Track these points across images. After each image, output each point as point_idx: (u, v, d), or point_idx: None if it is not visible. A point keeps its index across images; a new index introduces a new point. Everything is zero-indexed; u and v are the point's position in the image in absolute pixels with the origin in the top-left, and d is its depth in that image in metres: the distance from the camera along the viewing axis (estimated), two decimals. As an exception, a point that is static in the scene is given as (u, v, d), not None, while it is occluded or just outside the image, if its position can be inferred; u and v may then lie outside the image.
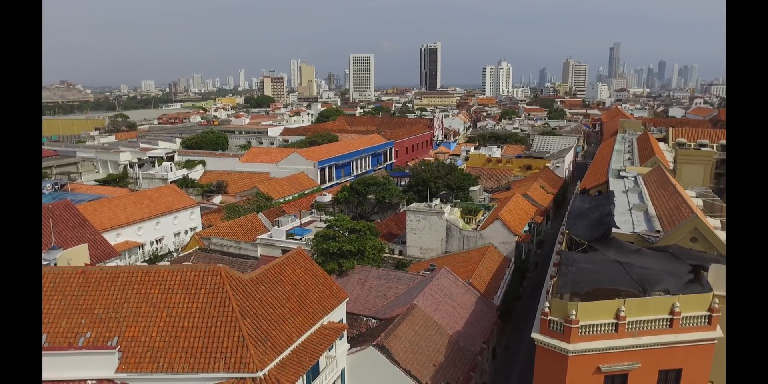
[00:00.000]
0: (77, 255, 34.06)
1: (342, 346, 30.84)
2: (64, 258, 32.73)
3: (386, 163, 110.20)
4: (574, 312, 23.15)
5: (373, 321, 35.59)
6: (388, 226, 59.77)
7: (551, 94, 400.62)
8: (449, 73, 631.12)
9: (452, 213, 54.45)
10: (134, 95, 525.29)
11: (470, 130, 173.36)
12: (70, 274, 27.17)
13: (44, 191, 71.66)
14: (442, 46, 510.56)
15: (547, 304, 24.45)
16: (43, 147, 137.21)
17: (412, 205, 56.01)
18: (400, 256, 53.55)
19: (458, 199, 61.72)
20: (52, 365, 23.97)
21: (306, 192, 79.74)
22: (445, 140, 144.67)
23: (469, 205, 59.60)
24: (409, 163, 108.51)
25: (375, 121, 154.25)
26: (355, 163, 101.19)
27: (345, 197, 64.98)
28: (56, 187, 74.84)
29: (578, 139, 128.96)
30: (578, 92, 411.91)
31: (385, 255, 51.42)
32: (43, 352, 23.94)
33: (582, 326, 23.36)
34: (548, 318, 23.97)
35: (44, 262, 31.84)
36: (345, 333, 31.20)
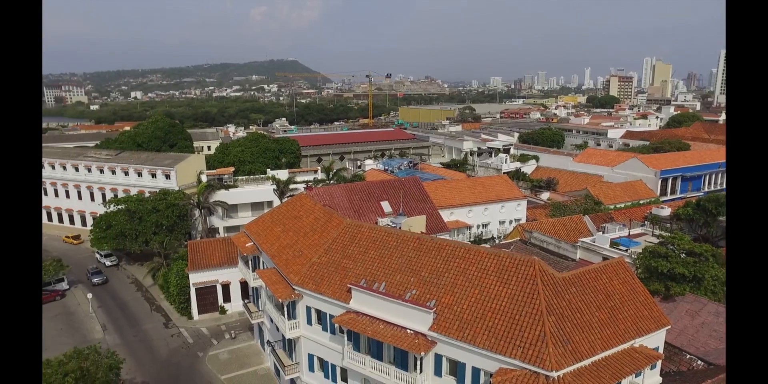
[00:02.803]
0: (416, 223, 39.31)
1: (652, 377, 27.46)
2: (407, 224, 38.23)
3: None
4: None
5: (699, 362, 30.39)
6: (740, 257, 49.54)
7: None
8: None
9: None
10: (482, 90, 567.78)
11: None
12: (409, 238, 31.62)
13: (401, 167, 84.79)
14: None
15: None
16: (404, 130, 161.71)
17: (780, 237, 44.92)
18: (750, 296, 43.91)
19: None
20: (386, 309, 28.57)
21: (641, 202, 72.70)
22: None
23: None
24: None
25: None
26: (707, 177, 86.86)
27: (688, 214, 56.60)
28: (410, 165, 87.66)
29: None
30: None
31: (729, 290, 42.88)
32: (381, 296, 28.63)
33: None
34: None
35: (392, 225, 37.78)
36: (659, 364, 27.65)
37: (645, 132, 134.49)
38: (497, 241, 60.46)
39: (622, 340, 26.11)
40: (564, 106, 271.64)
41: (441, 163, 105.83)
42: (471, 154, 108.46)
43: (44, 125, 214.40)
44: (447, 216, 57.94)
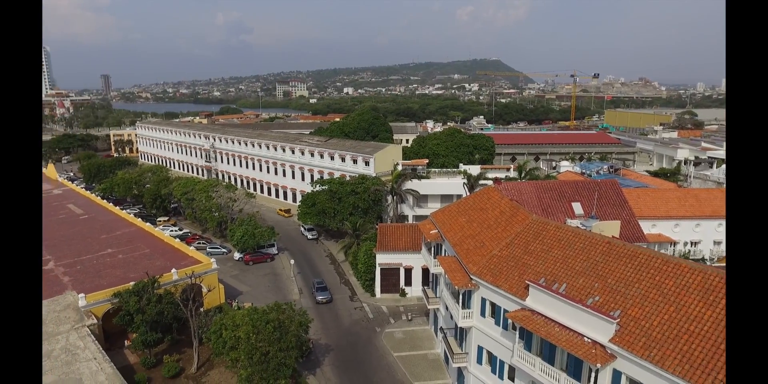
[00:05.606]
0: (609, 228, 36.47)
1: None
2: (598, 228, 35.70)
3: None
4: None
5: None
6: None
7: None
8: None
9: None
10: (710, 94, 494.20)
11: None
12: (598, 241, 29.57)
13: (600, 172, 78.94)
14: None
15: None
16: (608, 134, 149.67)
17: None
18: None
19: None
20: (564, 311, 27.24)
21: None
22: None
23: None
24: None
25: None
26: None
27: None
28: (611, 169, 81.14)
29: None
30: None
31: None
32: (560, 298, 27.35)
33: None
34: None
35: (583, 227, 35.61)
36: None
37: None
38: (709, 263, 52.84)
39: None
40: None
41: (647, 171, 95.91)
42: (685, 163, 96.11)
43: (273, 115, 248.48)
44: (648, 228, 52.43)
